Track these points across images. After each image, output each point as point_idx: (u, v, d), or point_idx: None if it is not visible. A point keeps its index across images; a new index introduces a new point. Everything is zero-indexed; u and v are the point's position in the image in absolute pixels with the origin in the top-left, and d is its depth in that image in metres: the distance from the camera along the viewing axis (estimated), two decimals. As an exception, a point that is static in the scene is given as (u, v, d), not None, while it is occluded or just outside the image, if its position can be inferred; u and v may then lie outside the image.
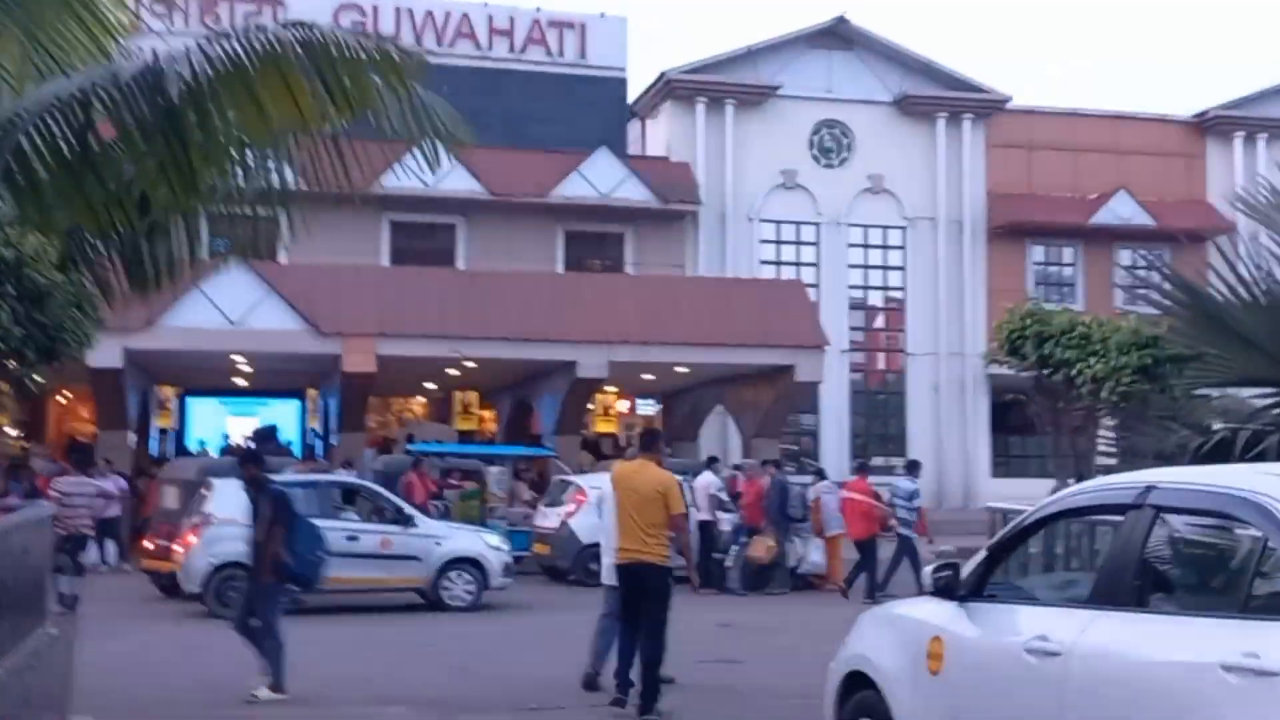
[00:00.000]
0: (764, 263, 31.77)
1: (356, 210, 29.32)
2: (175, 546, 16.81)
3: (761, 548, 18.03)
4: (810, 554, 18.51)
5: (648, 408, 35.43)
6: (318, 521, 15.47)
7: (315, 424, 31.25)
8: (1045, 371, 11.28)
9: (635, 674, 9.15)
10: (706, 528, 17.90)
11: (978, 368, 32.88)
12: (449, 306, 23.92)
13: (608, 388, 28.95)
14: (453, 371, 26.89)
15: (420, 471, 20.40)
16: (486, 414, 33.64)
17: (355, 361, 23.11)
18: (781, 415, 26.92)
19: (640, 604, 9.19)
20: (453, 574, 15.78)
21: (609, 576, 9.80)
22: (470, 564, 15.86)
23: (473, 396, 33.18)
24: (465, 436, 31.44)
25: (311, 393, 31.40)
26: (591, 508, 19.18)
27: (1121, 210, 33.28)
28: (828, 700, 6.01)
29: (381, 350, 23.08)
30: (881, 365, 33.30)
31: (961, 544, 21.64)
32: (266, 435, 26.95)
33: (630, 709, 9.06)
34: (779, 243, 32.34)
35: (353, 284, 24.12)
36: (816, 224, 32.52)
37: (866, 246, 32.93)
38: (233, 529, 15.18)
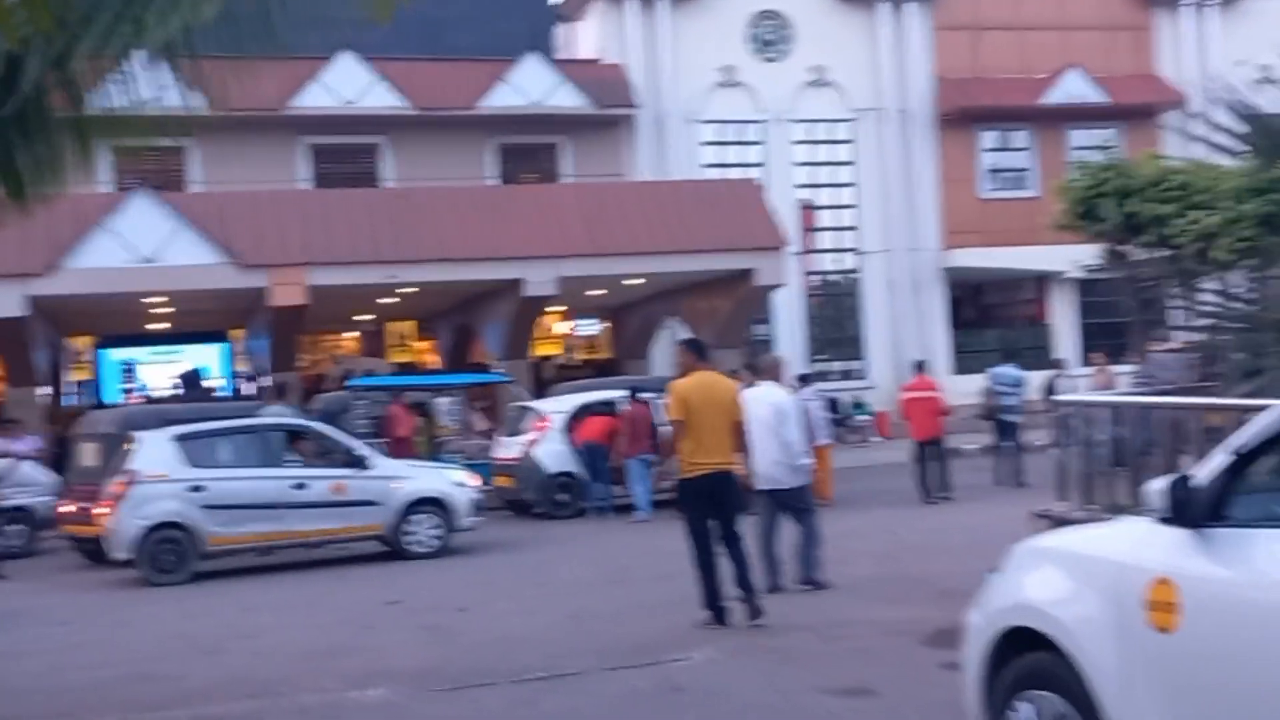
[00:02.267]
0: (707, 165, 30.13)
1: (270, 135, 27.43)
2: (97, 509, 15.15)
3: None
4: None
5: (590, 327, 33.96)
6: (260, 470, 14.03)
7: (245, 365, 29.36)
8: (1127, 234, 9.78)
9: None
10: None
11: (932, 262, 31.69)
12: (381, 229, 22.10)
13: (551, 307, 27.34)
14: (387, 300, 25.16)
15: (402, 403, 18.80)
16: (423, 345, 31.99)
17: (284, 294, 21.27)
18: (741, 323, 25.48)
19: (723, 513, 9.08)
20: (415, 517, 14.19)
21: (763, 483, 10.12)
22: (434, 505, 14.25)
23: (408, 327, 31.46)
24: (403, 369, 29.75)
25: (236, 333, 29.48)
26: (555, 434, 17.76)
27: (1072, 89, 31.94)
28: (971, 667, 4.55)
29: (311, 280, 21.26)
30: (833, 265, 31.90)
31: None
32: (193, 380, 25.04)
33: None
34: (722, 144, 30.67)
35: (273, 211, 22.20)
36: (760, 122, 30.89)
37: (812, 143, 31.38)
38: (163, 486, 13.56)
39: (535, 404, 19.03)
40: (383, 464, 14.58)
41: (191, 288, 21.31)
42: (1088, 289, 32.95)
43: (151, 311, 24.66)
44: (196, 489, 13.66)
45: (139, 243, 20.59)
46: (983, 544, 12.25)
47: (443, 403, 21.26)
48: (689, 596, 9.18)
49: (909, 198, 31.39)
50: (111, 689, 8.24)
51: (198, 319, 27.00)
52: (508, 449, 18.38)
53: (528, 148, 29.59)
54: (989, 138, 32.48)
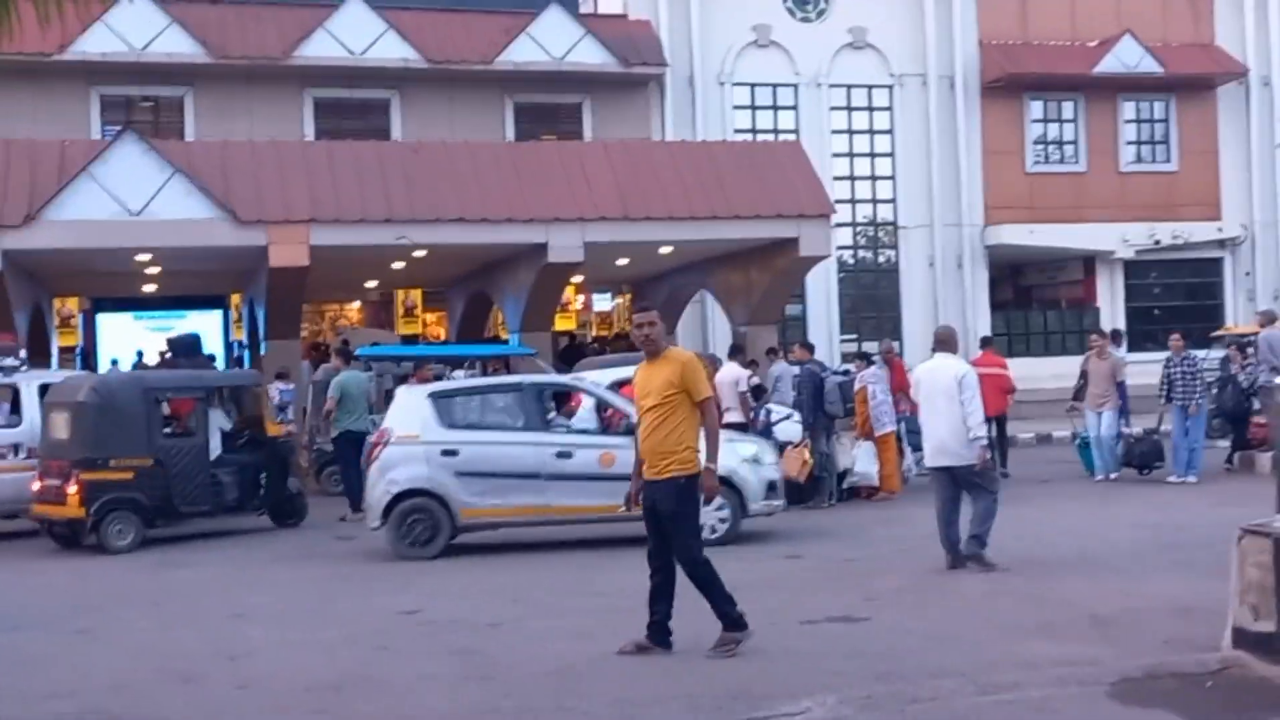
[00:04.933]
0: (738, 130, 28.24)
1: (273, 86, 25.56)
2: (69, 487, 13.35)
3: (796, 464, 14.44)
4: (859, 462, 15.25)
5: (604, 302, 32.21)
6: (525, 434, 12.13)
7: (241, 335, 27.51)
8: None
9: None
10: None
11: (975, 239, 29.86)
12: (392, 186, 20.23)
13: (574, 277, 25.51)
14: (397, 265, 23.31)
15: (423, 375, 17.15)
16: (432, 316, 30.17)
17: (284, 254, 19.41)
18: (779, 298, 23.62)
19: None
20: None
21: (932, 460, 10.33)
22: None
23: (416, 296, 29.63)
24: (409, 341, 27.94)
25: (235, 299, 27.66)
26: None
27: (1127, 57, 29.98)
28: None
29: (315, 239, 19.41)
30: (870, 239, 30.04)
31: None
32: (187, 347, 23.16)
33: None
34: (754, 108, 28.81)
35: (275, 163, 20.31)
36: (794, 85, 29.00)
37: (850, 109, 29.49)
38: (414, 448, 11.85)
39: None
40: None
41: (183, 244, 19.46)
42: (1134, 271, 31.16)
43: (143, 272, 22.81)
44: (449, 453, 11.97)
45: (126, 193, 18.73)
46: (1098, 554, 10.53)
47: (459, 376, 19.44)
48: (774, 615, 7.42)
49: (952, 170, 29.55)
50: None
51: (193, 281, 25.20)
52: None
53: (547, 107, 27.75)
54: (1036, 107, 30.56)
